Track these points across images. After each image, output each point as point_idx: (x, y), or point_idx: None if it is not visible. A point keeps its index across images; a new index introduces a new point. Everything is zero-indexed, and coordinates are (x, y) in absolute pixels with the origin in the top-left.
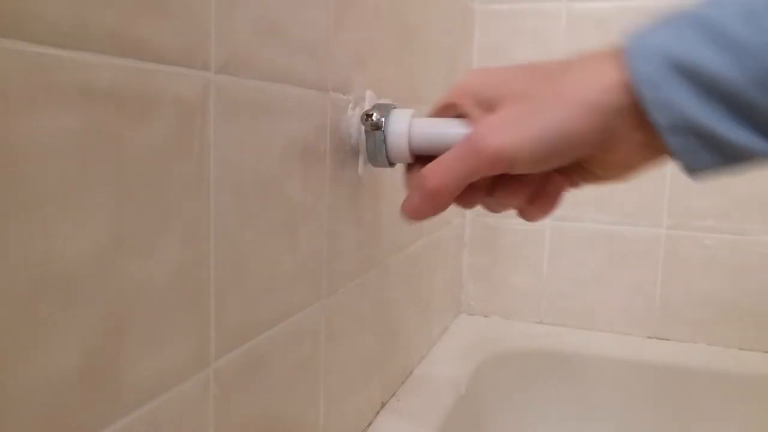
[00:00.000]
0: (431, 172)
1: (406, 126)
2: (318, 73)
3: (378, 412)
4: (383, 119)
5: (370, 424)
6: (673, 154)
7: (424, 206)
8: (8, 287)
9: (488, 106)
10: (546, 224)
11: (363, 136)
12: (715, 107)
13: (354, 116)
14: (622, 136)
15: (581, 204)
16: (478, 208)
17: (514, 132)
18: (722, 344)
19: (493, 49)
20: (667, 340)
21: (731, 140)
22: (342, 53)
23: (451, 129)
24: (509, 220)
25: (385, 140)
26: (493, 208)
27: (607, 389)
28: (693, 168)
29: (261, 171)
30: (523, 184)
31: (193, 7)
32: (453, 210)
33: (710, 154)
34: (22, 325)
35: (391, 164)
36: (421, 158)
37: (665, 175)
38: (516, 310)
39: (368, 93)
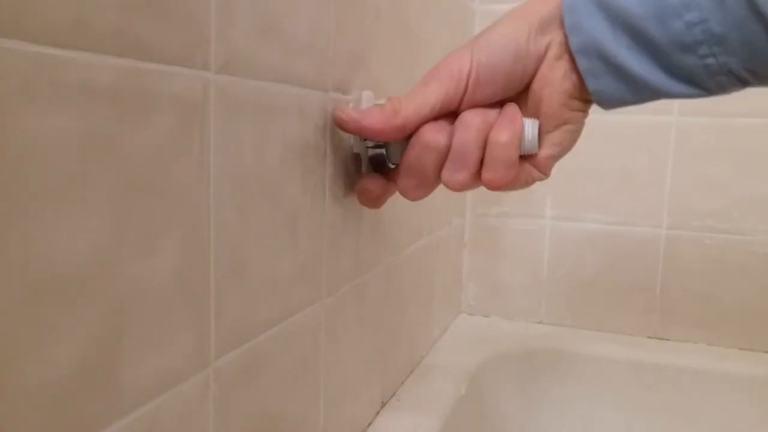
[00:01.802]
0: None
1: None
2: (318, 73)
3: (378, 412)
4: None
5: (370, 424)
6: (582, 77)
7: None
8: (8, 287)
9: None
10: (546, 224)
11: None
12: (619, 36)
13: None
14: (549, 50)
15: (581, 204)
16: (478, 208)
17: (464, 49)
18: (722, 344)
19: None
20: (667, 340)
21: (631, 67)
22: (342, 53)
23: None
24: (509, 219)
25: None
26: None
27: (607, 389)
28: (601, 94)
29: (261, 171)
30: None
31: (193, 7)
32: (453, 210)
33: (615, 81)
34: (22, 325)
35: (392, 164)
36: None
37: (665, 175)
38: (516, 310)
39: (364, 93)
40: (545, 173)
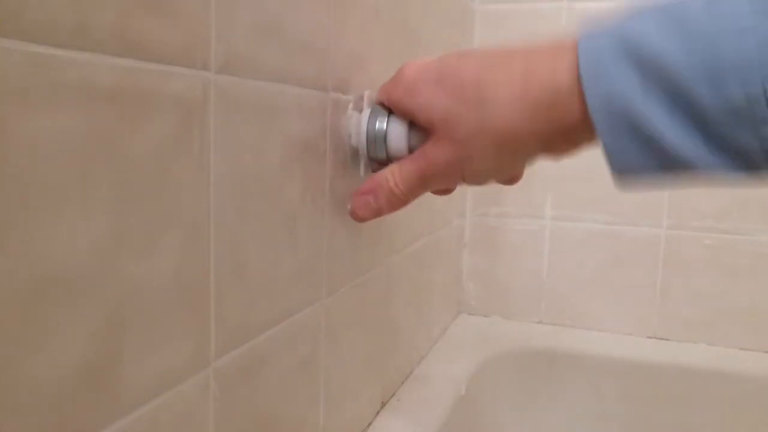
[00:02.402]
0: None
1: (406, 125)
2: (318, 73)
3: (378, 412)
4: (384, 119)
5: (370, 424)
6: (601, 141)
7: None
8: (8, 287)
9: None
10: (546, 224)
11: (363, 135)
12: (653, 93)
13: (354, 116)
14: (544, 125)
15: (581, 204)
16: (478, 208)
17: (469, 125)
18: (722, 344)
19: None
20: (667, 340)
21: (664, 135)
22: (342, 53)
23: None
24: (509, 219)
25: (385, 140)
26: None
27: (607, 389)
28: (620, 164)
29: (261, 171)
30: None
31: (193, 7)
32: (453, 210)
33: (640, 148)
34: (23, 325)
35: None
36: None
37: None
38: (516, 310)
39: (366, 93)
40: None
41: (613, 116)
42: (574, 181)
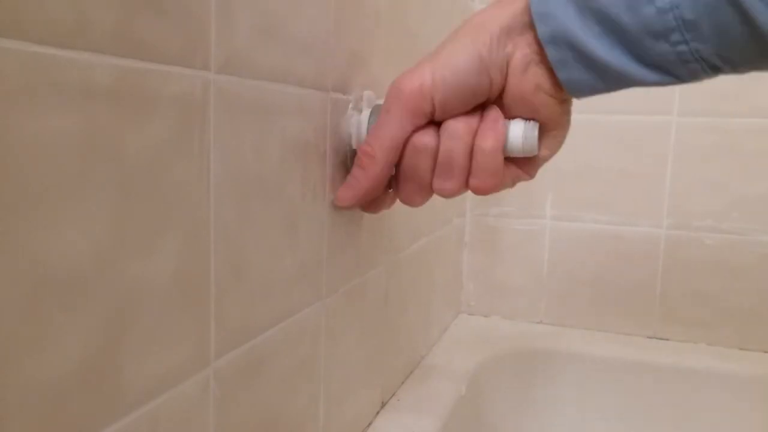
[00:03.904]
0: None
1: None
2: (318, 73)
3: (378, 412)
4: None
5: (370, 424)
6: (552, 66)
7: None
8: (8, 287)
9: None
10: (546, 224)
11: (363, 135)
12: (589, 23)
13: (354, 116)
14: (512, 63)
15: (581, 204)
16: (478, 208)
17: (425, 65)
18: (722, 344)
19: None
20: (667, 340)
21: (602, 56)
22: (342, 53)
23: None
24: (509, 219)
25: None
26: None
27: (607, 389)
28: (572, 83)
29: (261, 171)
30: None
31: (193, 7)
32: (453, 210)
33: (585, 70)
34: (23, 325)
35: None
36: None
37: (665, 175)
38: (516, 310)
39: (365, 93)
40: (531, 175)
41: (560, 46)
42: (574, 181)
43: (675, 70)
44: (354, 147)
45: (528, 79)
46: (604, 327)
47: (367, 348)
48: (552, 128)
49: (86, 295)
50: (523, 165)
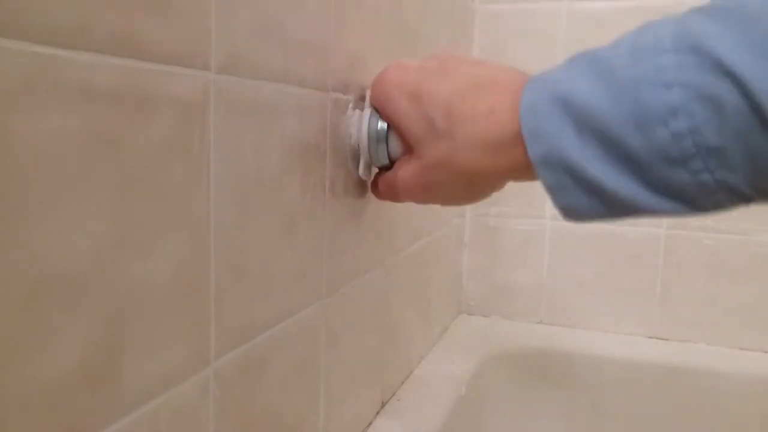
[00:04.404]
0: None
1: None
2: (318, 73)
3: (378, 412)
4: (384, 119)
5: (370, 424)
6: (546, 190)
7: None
8: (8, 287)
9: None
10: (546, 224)
11: (364, 135)
12: (587, 143)
13: (354, 116)
14: (505, 166)
15: None
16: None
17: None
18: (722, 344)
19: (493, 49)
20: (667, 340)
21: (603, 182)
22: (342, 53)
23: None
24: (509, 219)
25: (386, 139)
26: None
27: (607, 389)
28: (571, 211)
29: (261, 171)
30: None
31: (193, 7)
32: (453, 210)
33: (584, 196)
34: (23, 325)
35: (392, 164)
36: None
37: None
38: (516, 310)
39: (368, 93)
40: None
41: (554, 169)
42: None
43: (696, 201)
44: (354, 147)
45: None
46: (604, 327)
47: (367, 348)
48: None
49: (86, 295)
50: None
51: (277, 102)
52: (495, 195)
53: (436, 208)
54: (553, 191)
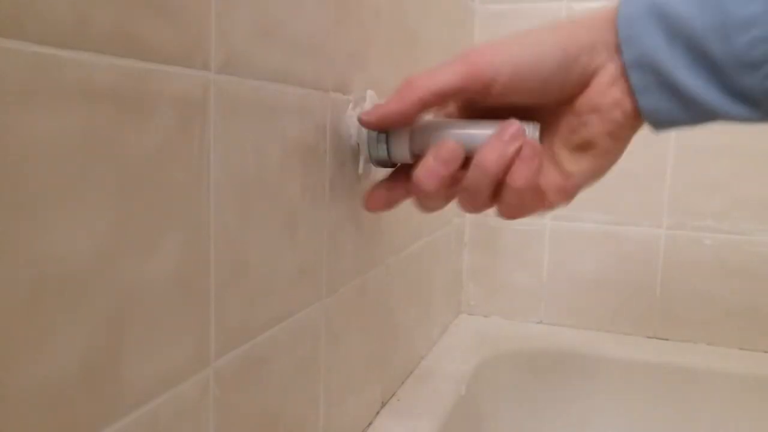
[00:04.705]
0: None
1: (408, 126)
2: (318, 73)
3: (378, 412)
4: None
5: (370, 424)
6: (634, 93)
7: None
8: (8, 287)
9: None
10: (546, 224)
11: (364, 135)
12: (677, 50)
13: (354, 116)
14: (598, 75)
15: (581, 204)
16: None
17: (505, 45)
18: (722, 344)
19: None
20: (667, 340)
21: (689, 85)
22: (342, 53)
23: (452, 129)
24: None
25: (386, 140)
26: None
27: (607, 389)
28: (654, 113)
29: (261, 171)
30: None
31: (193, 7)
32: (453, 210)
33: (669, 99)
34: (22, 325)
35: (392, 164)
36: (420, 158)
37: (665, 175)
38: (516, 310)
39: (368, 93)
40: (569, 200)
41: (645, 71)
42: None
43: (764, 106)
44: (354, 147)
45: (611, 93)
46: (604, 327)
47: (367, 348)
48: (601, 152)
49: (86, 294)
50: (559, 184)
51: (277, 102)
52: None
53: None
54: (640, 92)
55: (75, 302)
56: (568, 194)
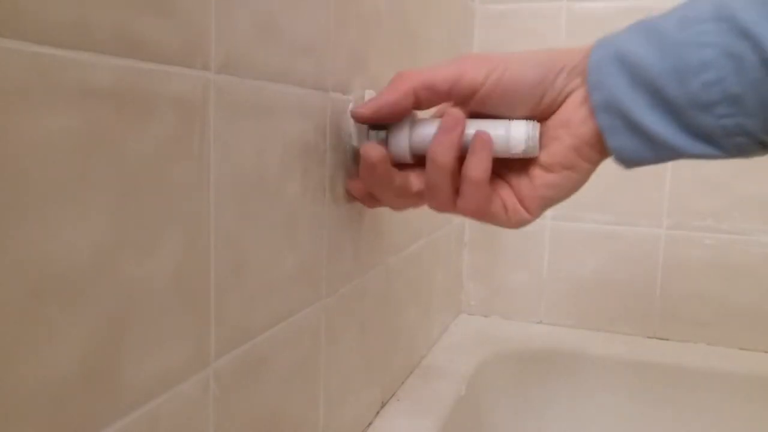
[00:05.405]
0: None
1: (407, 126)
2: (318, 73)
3: (378, 412)
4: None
5: (370, 424)
6: (602, 133)
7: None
8: (8, 287)
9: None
10: (546, 224)
11: (364, 137)
12: (638, 92)
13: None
14: (573, 95)
15: (581, 204)
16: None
17: (494, 57)
18: (722, 344)
19: (493, 49)
20: (667, 340)
21: (650, 126)
22: (342, 53)
23: None
24: None
25: (386, 140)
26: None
27: (607, 389)
28: (621, 152)
29: (261, 171)
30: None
31: (193, 7)
32: None
33: (633, 139)
34: (22, 325)
35: (393, 164)
36: (420, 158)
37: (665, 175)
38: (516, 310)
39: (368, 93)
40: (532, 214)
41: (611, 113)
42: None
43: (722, 144)
44: (355, 147)
45: (581, 110)
46: (604, 327)
47: (367, 348)
48: (568, 164)
49: (86, 294)
50: (525, 196)
51: (277, 102)
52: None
53: None
54: (608, 133)
55: (75, 302)
56: (531, 207)
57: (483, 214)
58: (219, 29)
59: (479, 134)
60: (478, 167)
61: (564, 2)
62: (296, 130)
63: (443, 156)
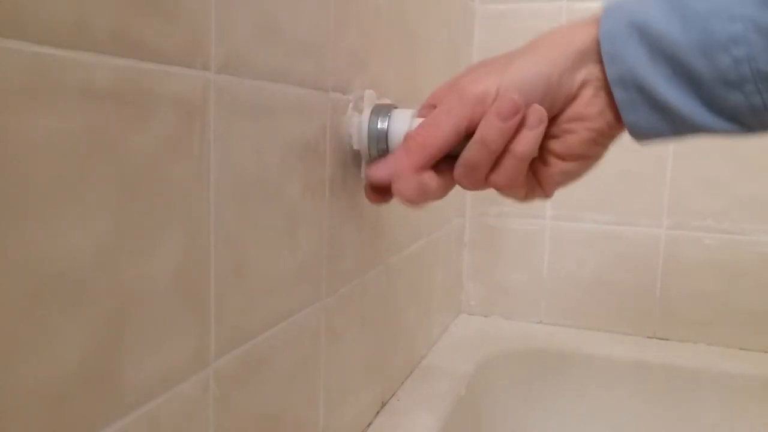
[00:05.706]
0: (419, 134)
1: (407, 126)
2: (318, 73)
3: (378, 412)
4: (385, 119)
5: (370, 424)
6: (618, 108)
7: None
8: (8, 287)
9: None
10: (546, 224)
11: (364, 135)
12: (660, 67)
13: (354, 116)
14: (585, 88)
15: (581, 204)
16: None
17: (492, 77)
18: (722, 344)
19: (493, 49)
20: (667, 340)
21: (671, 101)
22: (342, 53)
23: None
24: (509, 219)
25: (386, 140)
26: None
27: (607, 389)
28: (637, 127)
29: (261, 171)
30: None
31: (193, 7)
32: (453, 210)
33: (652, 114)
34: (22, 325)
35: None
36: None
37: (665, 175)
38: (516, 310)
39: (368, 93)
40: (548, 194)
41: (628, 87)
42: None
43: (746, 121)
44: (355, 147)
45: (596, 102)
46: (603, 327)
47: (367, 348)
48: (584, 154)
49: (86, 294)
50: (542, 179)
51: (277, 102)
52: (495, 195)
53: (436, 208)
54: (624, 108)
55: (75, 302)
56: (548, 189)
57: (512, 187)
58: (219, 29)
59: (536, 109)
60: (530, 143)
61: (564, 2)
62: (296, 130)
63: (496, 144)
